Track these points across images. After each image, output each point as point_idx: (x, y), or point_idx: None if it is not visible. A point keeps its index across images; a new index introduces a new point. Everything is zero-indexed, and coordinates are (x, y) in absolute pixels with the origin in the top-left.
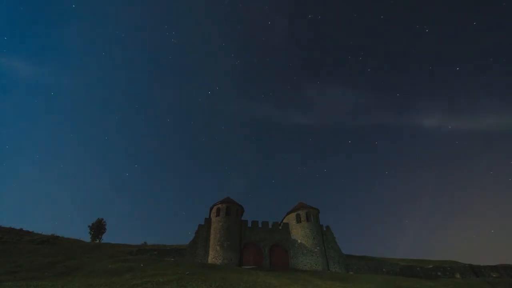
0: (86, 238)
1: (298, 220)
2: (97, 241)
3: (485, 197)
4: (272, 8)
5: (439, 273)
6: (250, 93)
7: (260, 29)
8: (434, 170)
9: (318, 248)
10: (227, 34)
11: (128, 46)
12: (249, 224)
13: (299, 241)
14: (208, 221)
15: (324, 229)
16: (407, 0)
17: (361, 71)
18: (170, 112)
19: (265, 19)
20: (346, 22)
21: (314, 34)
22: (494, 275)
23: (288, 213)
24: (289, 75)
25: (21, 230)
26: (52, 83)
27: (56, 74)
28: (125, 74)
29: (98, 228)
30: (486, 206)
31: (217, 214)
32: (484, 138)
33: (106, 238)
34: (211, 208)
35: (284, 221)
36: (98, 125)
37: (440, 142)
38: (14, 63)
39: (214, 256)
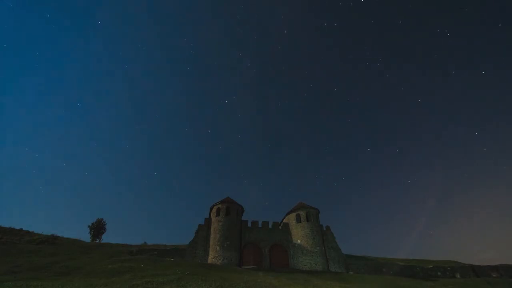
0: (86, 238)
1: (298, 220)
2: (97, 241)
3: (486, 197)
4: (287, 17)
5: (439, 273)
6: (265, 101)
7: (275, 38)
8: (437, 171)
9: (318, 248)
10: (243, 43)
11: (147, 58)
12: (249, 224)
13: (299, 241)
14: (208, 221)
15: (324, 229)
16: None
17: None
18: (187, 120)
19: (280, 27)
20: (363, 29)
21: (329, 42)
22: (494, 275)
23: (288, 213)
24: (303, 82)
25: (21, 230)
26: (72, 91)
27: (78, 83)
28: (143, 84)
29: (98, 228)
30: (487, 206)
31: (217, 214)
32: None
33: (106, 238)
34: (211, 208)
35: (284, 221)
36: (114, 131)
37: (442, 144)
38: (40, 76)
39: (214, 256)
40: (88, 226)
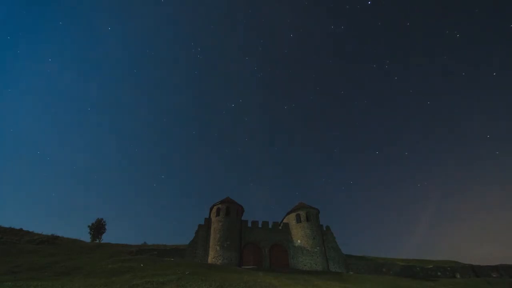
0: (86, 238)
1: (298, 220)
2: (97, 241)
3: (486, 197)
4: (293, 20)
5: (439, 273)
6: (272, 105)
7: (282, 42)
8: (439, 171)
9: (318, 248)
10: (249, 47)
11: (155, 62)
12: (249, 224)
13: (299, 241)
14: (208, 221)
15: (324, 229)
16: None
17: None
18: (195, 124)
19: (286, 31)
20: (370, 32)
21: (335, 45)
22: (494, 275)
23: (288, 213)
24: (310, 85)
25: (21, 230)
26: (77, 93)
27: (83, 86)
28: (150, 88)
29: (98, 228)
30: (487, 206)
31: (217, 214)
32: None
33: (106, 238)
34: (211, 208)
35: (284, 221)
36: (119, 133)
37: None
38: (50, 80)
39: (214, 256)
40: (88, 226)
